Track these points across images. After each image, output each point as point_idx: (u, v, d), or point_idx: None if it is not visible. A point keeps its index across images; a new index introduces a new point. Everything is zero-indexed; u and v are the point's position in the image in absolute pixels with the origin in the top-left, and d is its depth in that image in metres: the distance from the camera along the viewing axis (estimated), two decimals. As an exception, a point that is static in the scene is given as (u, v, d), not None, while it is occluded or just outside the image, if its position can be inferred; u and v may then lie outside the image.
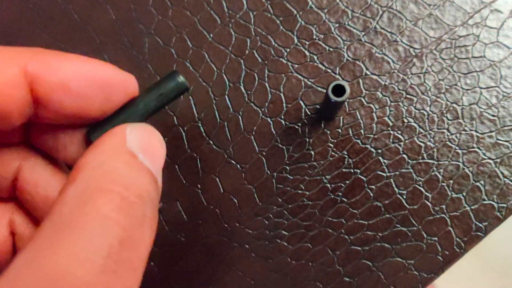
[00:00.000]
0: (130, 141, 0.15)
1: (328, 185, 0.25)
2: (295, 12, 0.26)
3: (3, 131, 0.16)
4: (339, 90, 0.21)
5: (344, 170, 0.25)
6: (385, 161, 0.25)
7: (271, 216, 0.25)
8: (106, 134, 0.16)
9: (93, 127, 0.17)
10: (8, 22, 0.27)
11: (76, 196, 0.13)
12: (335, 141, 0.25)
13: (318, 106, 0.25)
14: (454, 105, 0.25)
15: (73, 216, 0.13)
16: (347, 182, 0.25)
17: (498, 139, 0.24)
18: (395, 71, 0.25)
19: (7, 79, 0.15)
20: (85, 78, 0.16)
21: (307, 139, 0.25)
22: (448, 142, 0.24)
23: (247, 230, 0.25)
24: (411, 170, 0.24)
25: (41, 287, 0.11)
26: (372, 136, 0.25)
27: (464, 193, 0.24)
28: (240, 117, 0.26)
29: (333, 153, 0.25)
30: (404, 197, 0.24)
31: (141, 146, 0.16)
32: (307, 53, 0.25)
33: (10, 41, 0.27)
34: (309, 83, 0.25)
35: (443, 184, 0.24)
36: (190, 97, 0.26)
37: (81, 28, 0.27)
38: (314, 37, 0.25)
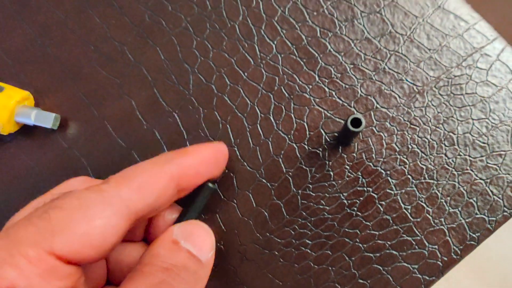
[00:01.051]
0: (176, 233, 0.23)
1: (345, 201, 0.29)
2: (316, 54, 0.31)
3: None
4: (356, 122, 0.26)
5: (358, 188, 0.29)
6: (393, 180, 0.29)
7: (296, 227, 0.30)
8: (164, 232, 0.24)
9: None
10: (71, 61, 0.32)
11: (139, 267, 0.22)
12: (351, 163, 0.30)
13: (336, 134, 0.30)
14: (451, 134, 0.29)
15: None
16: (361, 198, 0.29)
17: (488, 163, 0.29)
18: (401, 105, 0.30)
19: (163, 187, 0.23)
20: (205, 165, 0.25)
21: (327, 162, 0.30)
22: (445, 165, 0.29)
23: (276, 239, 0.30)
24: (415, 189, 0.29)
25: None
26: (382, 159, 0.29)
27: (459, 208, 0.29)
28: (269, 142, 0.30)
29: (349, 174, 0.30)
30: (409, 211, 0.29)
31: (184, 235, 0.23)
32: (327, 89, 0.30)
33: (73, 78, 0.32)
34: (329, 114, 0.30)
35: (442, 200, 0.29)
36: (228, 126, 0.30)
37: (134, 66, 0.32)
38: (333, 76, 0.30)
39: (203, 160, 0.25)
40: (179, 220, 0.26)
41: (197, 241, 0.23)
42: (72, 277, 0.19)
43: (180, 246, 0.22)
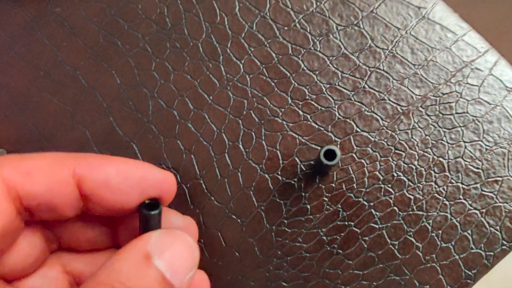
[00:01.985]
0: (151, 244, 0.18)
1: (324, 238, 0.26)
2: (288, 74, 0.27)
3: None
4: (330, 153, 0.23)
5: (339, 223, 0.26)
6: (377, 213, 0.26)
7: (271, 268, 0.26)
8: (134, 240, 0.18)
9: None
10: (19, 89, 0.29)
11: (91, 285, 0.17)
12: (330, 195, 0.26)
13: (312, 162, 0.27)
14: (441, 159, 0.26)
15: None
16: (342, 234, 0.26)
17: (483, 190, 0.26)
18: (384, 128, 0.27)
19: (59, 180, 0.18)
20: (124, 177, 0.19)
21: (303, 194, 0.27)
22: (436, 194, 0.26)
23: (250, 282, 0.26)
24: (402, 222, 0.26)
25: None
26: (364, 190, 0.26)
27: (452, 243, 0.26)
28: (239, 174, 0.27)
29: (328, 206, 0.26)
30: (396, 247, 0.26)
31: (160, 248, 0.18)
32: (301, 113, 0.27)
33: (22, 108, 0.29)
34: (303, 140, 0.27)
35: (432, 234, 0.26)
36: (192, 156, 0.27)
37: (88, 92, 0.29)
38: (307, 97, 0.27)
39: (125, 175, 0.20)
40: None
41: (174, 259, 0.18)
42: None
43: (151, 264, 0.17)
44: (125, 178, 0.19)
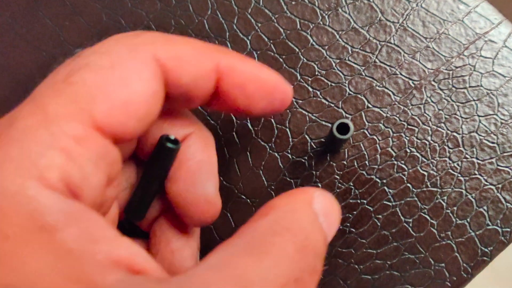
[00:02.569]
0: (316, 203, 0.17)
1: (336, 216, 0.26)
2: (297, 50, 0.27)
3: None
4: (343, 127, 0.22)
5: (351, 201, 0.26)
6: (390, 190, 0.25)
7: (282, 248, 0.26)
8: (297, 190, 0.18)
9: None
10: (21, 70, 0.28)
11: (267, 227, 0.15)
12: (341, 173, 0.26)
13: (323, 140, 0.26)
14: (455, 133, 0.25)
15: (263, 242, 0.14)
16: (355, 212, 0.26)
17: (498, 165, 0.25)
18: (396, 103, 0.26)
19: (203, 72, 0.17)
20: (259, 85, 0.19)
21: (314, 172, 0.26)
22: (450, 170, 0.25)
23: (260, 263, 0.26)
24: (416, 199, 0.25)
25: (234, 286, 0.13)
26: (376, 167, 0.26)
27: (468, 219, 0.25)
28: (248, 153, 0.26)
29: (339, 184, 0.26)
30: (410, 225, 0.25)
31: (323, 211, 0.18)
32: (310, 89, 0.26)
33: (24, 89, 0.28)
34: (314, 117, 0.26)
35: (447, 211, 0.25)
36: (200, 136, 0.27)
37: (92, 72, 0.28)
38: (316, 73, 0.27)
39: (260, 80, 0.19)
40: (136, 195, 0.21)
41: (331, 225, 0.18)
42: (118, 163, 0.16)
43: (319, 223, 0.17)
44: (260, 86, 0.19)
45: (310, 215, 0.17)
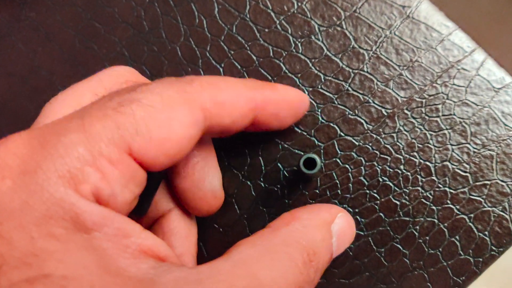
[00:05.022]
0: (336, 224, 0.20)
1: (309, 246, 0.25)
2: (269, 78, 0.27)
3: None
4: (310, 162, 0.22)
5: (323, 230, 0.25)
6: (363, 220, 0.25)
7: (254, 277, 0.26)
8: (321, 207, 0.21)
9: None
10: (-5, 96, 0.28)
11: (284, 237, 0.18)
12: (314, 202, 0.26)
13: (295, 168, 0.26)
14: (427, 163, 0.25)
15: (278, 250, 0.17)
16: (327, 242, 0.25)
17: (471, 195, 0.25)
18: (369, 131, 0.26)
19: (242, 114, 0.20)
20: (289, 108, 0.23)
21: (287, 201, 0.26)
22: (422, 200, 0.25)
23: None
24: (388, 228, 0.25)
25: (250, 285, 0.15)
26: (349, 196, 0.26)
27: (440, 249, 0.25)
28: (221, 181, 0.26)
29: (312, 213, 0.26)
30: (382, 254, 0.25)
31: (339, 233, 0.20)
32: (283, 117, 0.26)
33: (-3, 115, 0.28)
34: (286, 146, 0.26)
35: (419, 240, 0.25)
36: (172, 163, 0.27)
37: (65, 99, 0.28)
38: (289, 101, 0.26)
39: (288, 102, 0.23)
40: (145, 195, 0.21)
41: (341, 247, 0.21)
42: (143, 185, 0.18)
43: (330, 243, 0.20)
44: (290, 108, 0.23)
45: (325, 234, 0.19)
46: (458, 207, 0.25)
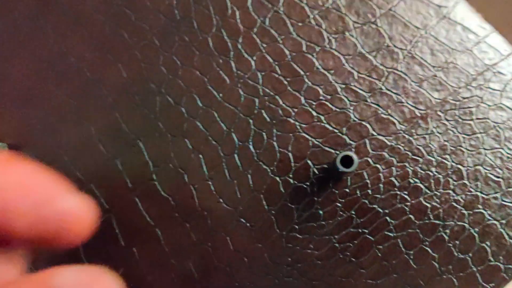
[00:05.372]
0: (58, 280, 0.13)
1: (337, 245, 0.25)
2: (302, 72, 0.26)
3: None
4: (347, 160, 0.22)
5: (352, 229, 0.25)
6: (392, 221, 0.25)
7: (281, 275, 0.25)
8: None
9: None
10: (22, 80, 0.28)
11: None
12: (343, 200, 0.25)
13: (326, 166, 0.26)
14: (459, 166, 0.25)
15: None
16: (355, 241, 0.25)
17: (503, 201, 0.25)
18: (401, 132, 0.25)
19: None
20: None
21: (316, 198, 0.26)
22: (453, 203, 0.25)
23: (256, 289, 0.25)
24: (418, 231, 0.25)
25: None
26: (379, 196, 0.25)
27: (470, 254, 0.25)
28: (249, 176, 0.26)
29: (341, 212, 0.25)
30: (411, 257, 0.25)
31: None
32: (314, 113, 0.26)
33: (24, 100, 0.27)
34: (317, 143, 0.26)
35: (449, 244, 0.25)
36: (200, 156, 0.26)
37: (93, 86, 0.27)
38: (321, 97, 0.26)
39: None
40: None
41: None
42: None
43: None
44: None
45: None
46: (489, 212, 0.25)
